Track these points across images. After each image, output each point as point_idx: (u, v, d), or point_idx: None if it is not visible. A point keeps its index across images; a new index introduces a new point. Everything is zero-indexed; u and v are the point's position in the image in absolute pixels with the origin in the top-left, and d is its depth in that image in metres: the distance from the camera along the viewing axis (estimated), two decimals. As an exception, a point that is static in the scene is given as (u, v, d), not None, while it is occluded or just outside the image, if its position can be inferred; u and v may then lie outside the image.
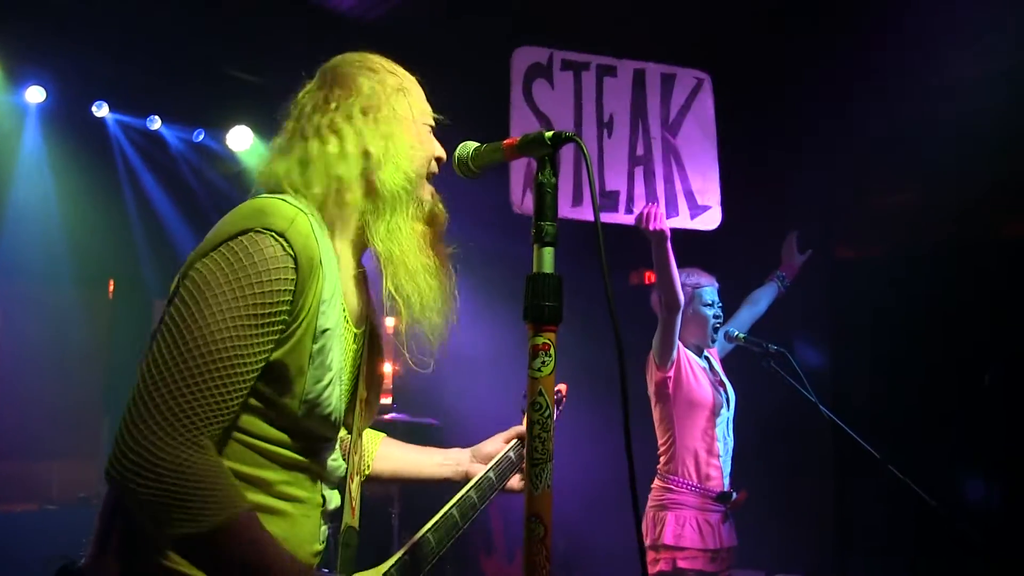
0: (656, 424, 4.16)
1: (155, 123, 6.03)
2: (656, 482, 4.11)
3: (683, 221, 3.89)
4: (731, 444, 4.15)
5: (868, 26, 5.05)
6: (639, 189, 3.82)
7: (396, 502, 5.13)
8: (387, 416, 5.12)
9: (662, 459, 4.11)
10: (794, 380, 4.00)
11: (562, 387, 2.73)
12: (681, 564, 3.88)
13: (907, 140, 5.43)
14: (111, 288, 6.60)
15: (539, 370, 1.54)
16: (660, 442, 4.14)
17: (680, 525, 3.93)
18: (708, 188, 3.95)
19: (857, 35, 5.11)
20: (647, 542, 3.91)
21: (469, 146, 1.80)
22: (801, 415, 4.37)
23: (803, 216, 5.38)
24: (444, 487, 2.50)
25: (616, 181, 3.80)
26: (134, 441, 1.50)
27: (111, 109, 5.87)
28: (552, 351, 1.55)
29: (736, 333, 4.25)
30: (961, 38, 4.89)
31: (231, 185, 6.54)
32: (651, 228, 3.66)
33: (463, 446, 2.49)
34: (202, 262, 1.63)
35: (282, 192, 1.82)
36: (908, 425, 5.26)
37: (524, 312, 1.57)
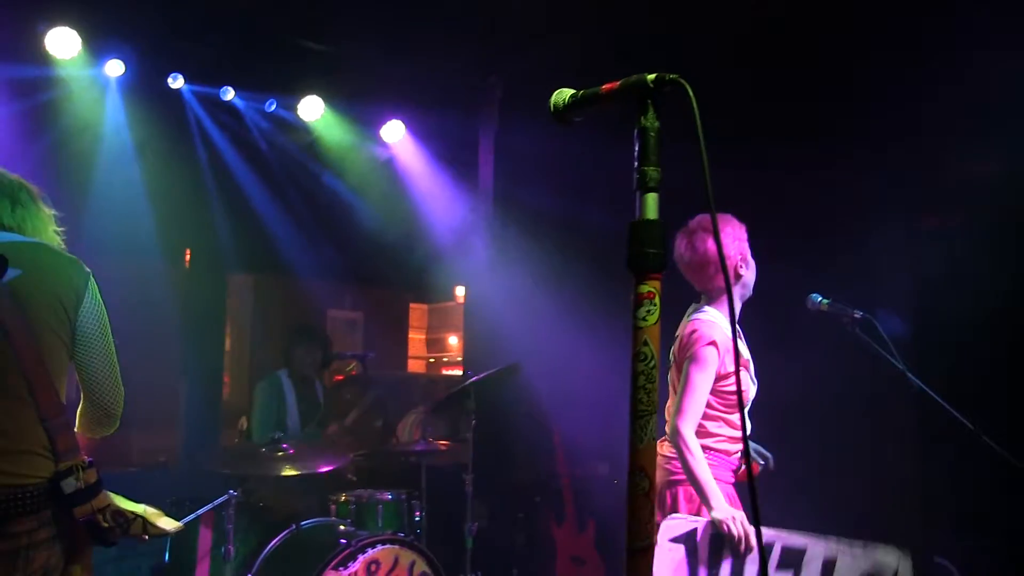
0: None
1: (228, 94, 6.07)
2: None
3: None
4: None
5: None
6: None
7: (470, 469, 5.13)
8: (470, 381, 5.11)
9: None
10: (880, 347, 3.89)
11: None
12: None
13: (991, 106, 5.26)
14: (187, 258, 6.69)
15: (644, 319, 1.49)
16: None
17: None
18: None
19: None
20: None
21: (565, 93, 1.74)
22: (883, 383, 4.27)
23: (889, 184, 5.26)
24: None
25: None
26: None
27: (186, 81, 5.93)
28: (656, 299, 1.50)
29: (819, 300, 4.14)
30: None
31: (304, 155, 6.59)
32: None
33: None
34: None
35: None
36: (992, 394, 5.11)
37: (627, 260, 1.53)
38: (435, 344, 19.92)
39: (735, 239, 3.60)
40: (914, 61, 5.27)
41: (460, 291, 12.96)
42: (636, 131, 1.57)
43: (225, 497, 4.40)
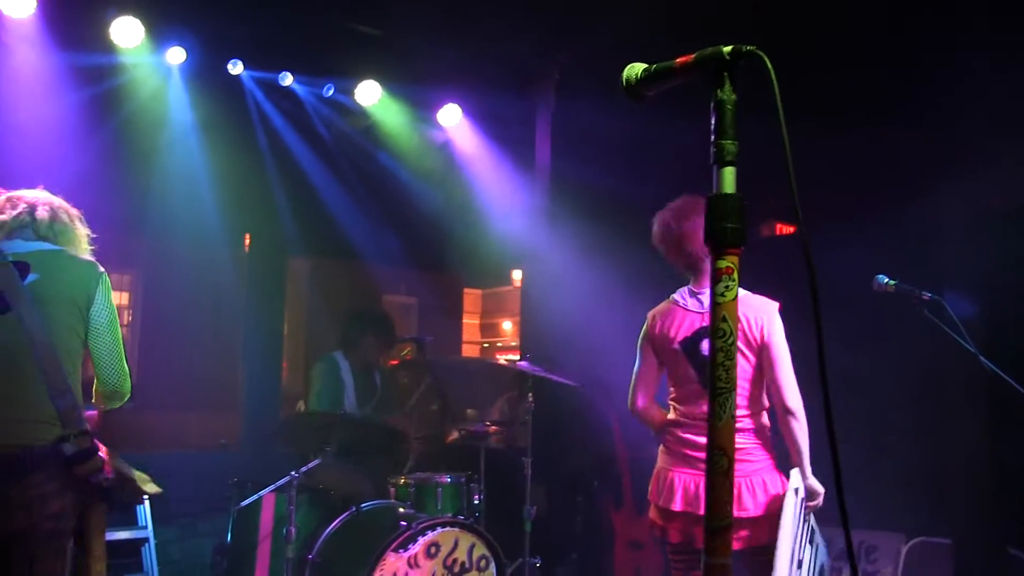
0: (753, 383, 3.56)
1: (287, 79, 6.11)
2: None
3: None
4: None
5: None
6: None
7: (529, 453, 5.13)
8: (520, 366, 5.10)
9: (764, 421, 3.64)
10: (950, 329, 3.81)
11: None
12: None
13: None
14: (247, 243, 6.75)
15: (722, 295, 1.47)
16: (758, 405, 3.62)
17: None
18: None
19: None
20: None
21: (637, 67, 1.71)
22: (951, 366, 4.19)
23: (952, 163, 5.14)
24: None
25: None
26: None
27: (245, 67, 5.97)
28: (735, 275, 1.48)
29: (886, 280, 4.06)
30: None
31: (362, 139, 6.62)
32: None
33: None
34: None
35: None
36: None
37: (705, 235, 1.50)
38: (489, 329, 19.97)
39: None
40: (979, 44, 5.15)
41: (517, 275, 12.97)
42: (712, 104, 1.54)
43: (287, 479, 4.45)
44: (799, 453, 3.46)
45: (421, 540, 4.38)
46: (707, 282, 3.51)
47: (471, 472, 5.04)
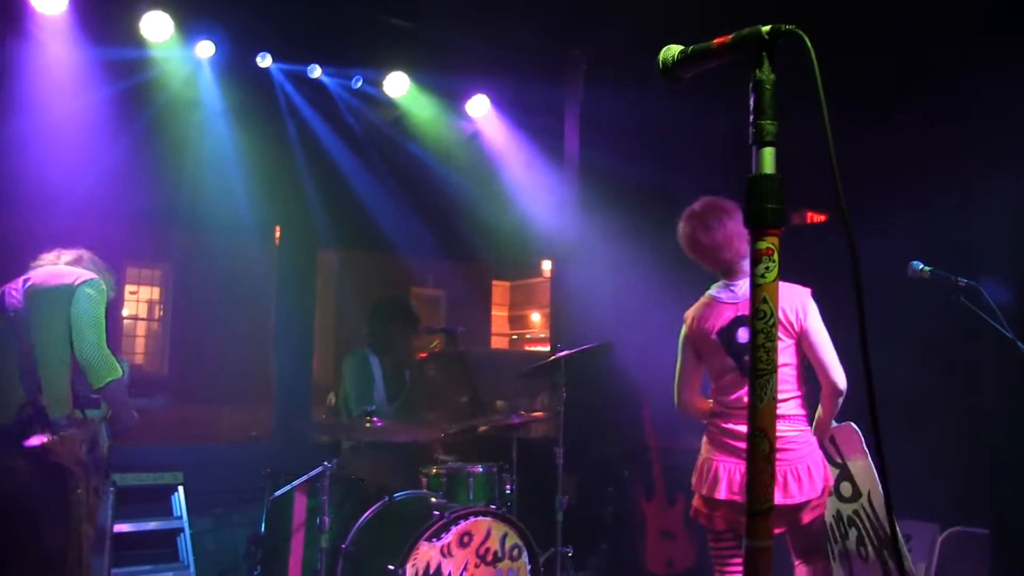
0: (795, 370, 3.61)
1: (315, 71, 6.13)
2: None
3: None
4: None
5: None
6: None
7: (560, 442, 5.13)
8: (559, 355, 5.09)
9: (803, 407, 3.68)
10: (987, 315, 3.76)
11: None
12: None
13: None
14: (277, 235, 6.77)
15: (763, 276, 1.46)
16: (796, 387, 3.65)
17: None
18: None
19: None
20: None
21: (673, 49, 1.69)
22: (984, 352, 4.15)
23: (986, 147, 5.07)
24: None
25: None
26: None
27: (274, 59, 6.00)
28: (776, 256, 1.46)
29: (921, 267, 4.01)
30: None
31: (391, 130, 6.62)
32: None
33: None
34: None
35: None
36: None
37: (745, 216, 1.49)
38: (518, 321, 19.95)
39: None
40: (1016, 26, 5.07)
41: (546, 266, 12.95)
42: (751, 84, 1.53)
43: (320, 469, 4.46)
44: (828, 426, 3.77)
45: (454, 529, 4.39)
46: (742, 275, 3.64)
47: (503, 462, 5.04)
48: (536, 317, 19.05)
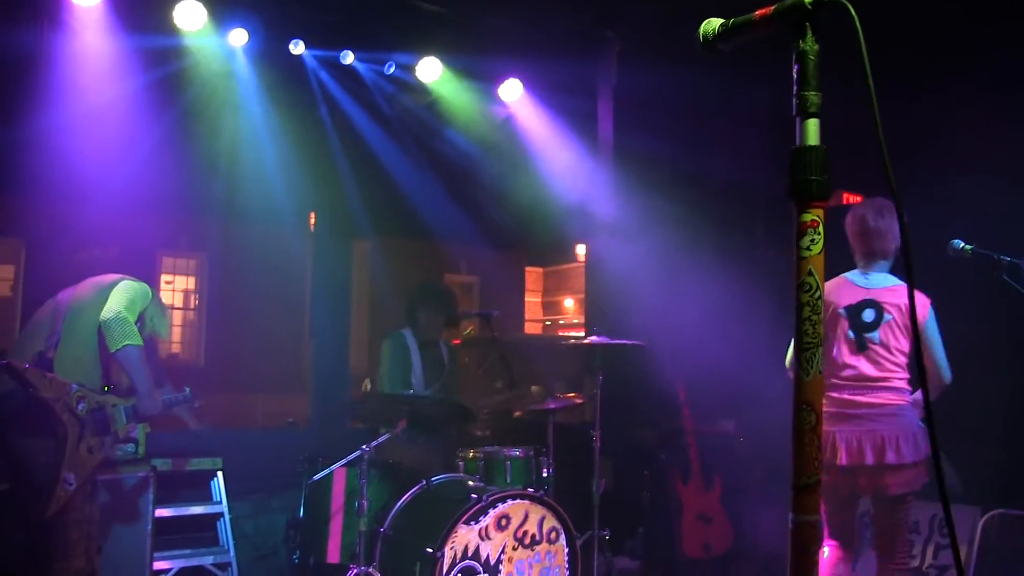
0: (907, 358, 4.14)
1: (348, 58, 6.13)
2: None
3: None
4: None
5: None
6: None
7: (597, 426, 5.12)
8: (588, 340, 5.08)
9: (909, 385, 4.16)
10: (1030, 293, 3.70)
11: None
12: None
13: None
14: (312, 222, 6.79)
15: (808, 249, 1.44)
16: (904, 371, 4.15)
17: None
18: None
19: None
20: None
21: (713, 23, 1.68)
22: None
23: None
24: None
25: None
26: None
27: (307, 47, 6.01)
28: (821, 228, 1.45)
29: (962, 245, 3.96)
30: None
31: (426, 114, 6.62)
32: None
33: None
34: None
35: None
36: None
37: (789, 188, 1.47)
38: (551, 307, 19.93)
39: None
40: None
41: (580, 250, 12.90)
42: (795, 55, 1.51)
43: (357, 453, 4.48)
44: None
45: (492, 512, 4.40)
46: (876, 268, 4.18)
47: (539, 446, 5.04)
48: (569, 303, 19.01)
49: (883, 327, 4.06)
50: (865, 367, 4.05)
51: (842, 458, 3.96)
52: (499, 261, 13.48)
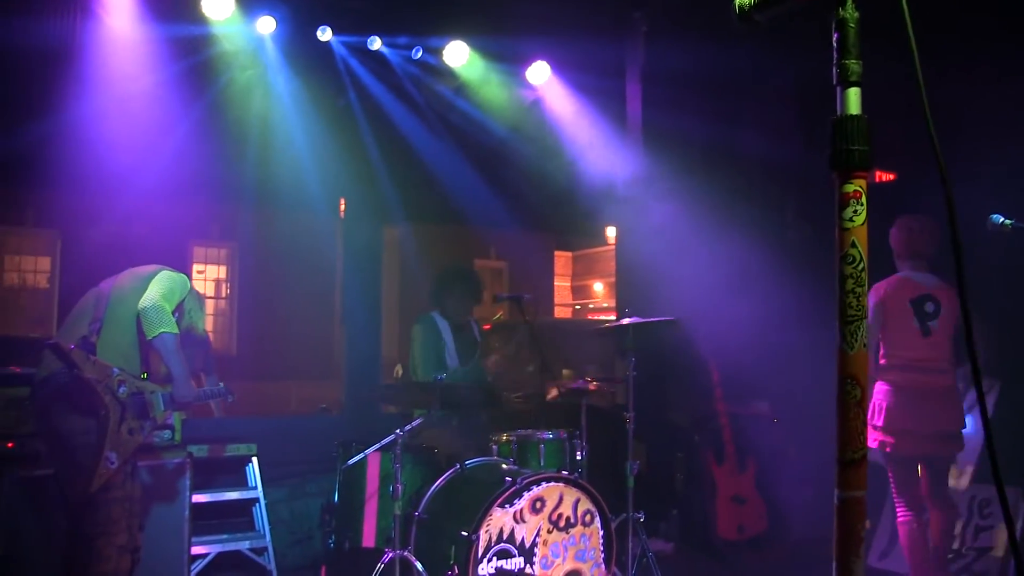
0: (952, 343, 4.80)
1: (375, 43, 6.12)
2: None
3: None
4: None
5: None
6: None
7: (630, 408, 5.11)
8: (626, 320, 5.06)
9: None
10: (1072, 268, 3.65)
11: None
12: None
13: None
14: (342, 208, 6.78)
15: (851, 220, 1.41)
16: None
17: None
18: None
19: None
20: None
21: (750, -8, 1.65)
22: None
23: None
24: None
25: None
26: None
27: (334, 33, 6.01)
28: (863, 199, 1.42)
29: (1001, 220, 3.89)
30: None
31: (454, 99, 6.59)
32: None
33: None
34: None
35: None
36: None
37: (830, 159, 1.44)
38: (580, 291, 19.92)
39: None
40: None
41: (611, 232, 12.85)
42: (835, 23, 1.48)
43: (392, 437, 4.50)
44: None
45: (526, 495, 4.40)
46: (923, 269, 4.86)
47: (573, 428, 5.03)
48: (599, 287, 18.98)
49: (940, 318, 4.76)
50: (929, 351, 4.75)
51: (917, 425, 4.64)
52: (528, 246, 13.45)
